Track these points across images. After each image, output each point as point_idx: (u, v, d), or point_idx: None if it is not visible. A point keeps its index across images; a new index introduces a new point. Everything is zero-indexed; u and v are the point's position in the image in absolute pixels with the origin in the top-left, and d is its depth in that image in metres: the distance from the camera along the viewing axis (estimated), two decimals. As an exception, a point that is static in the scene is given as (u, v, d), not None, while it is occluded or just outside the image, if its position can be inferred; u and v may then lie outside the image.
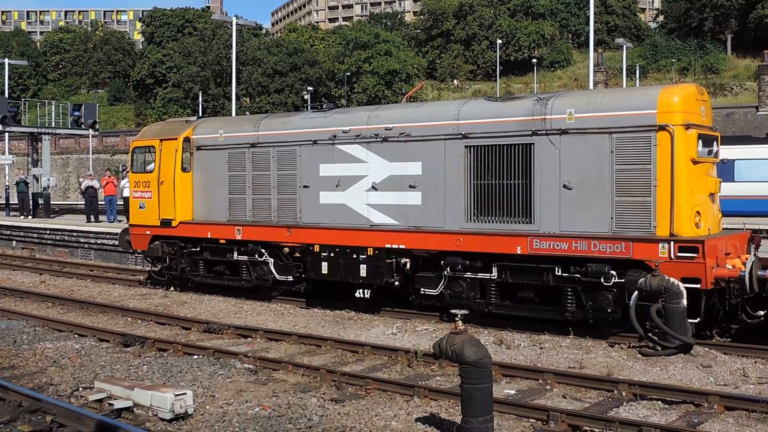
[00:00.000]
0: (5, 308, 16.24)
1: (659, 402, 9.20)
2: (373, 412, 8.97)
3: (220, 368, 11.02)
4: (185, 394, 8.87)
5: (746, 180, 25.21)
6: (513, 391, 9.82)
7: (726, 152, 18.53)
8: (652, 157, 11.96)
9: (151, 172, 18.36)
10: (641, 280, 11.55)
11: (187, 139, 17.95)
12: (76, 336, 13.58)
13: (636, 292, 11.61)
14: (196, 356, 11.84)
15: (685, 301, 11.24)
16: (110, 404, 8.99)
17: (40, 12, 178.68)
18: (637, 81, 68.05)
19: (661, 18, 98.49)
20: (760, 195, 24.78)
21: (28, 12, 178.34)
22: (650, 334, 11.49)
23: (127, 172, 21.63)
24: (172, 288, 18.86)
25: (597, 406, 9.12)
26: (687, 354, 11.17)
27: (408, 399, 9.44)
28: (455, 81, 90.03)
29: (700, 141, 12.22)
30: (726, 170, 21.71)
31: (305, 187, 15.91)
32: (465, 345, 7.48)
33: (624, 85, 46.81)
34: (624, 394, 9.44)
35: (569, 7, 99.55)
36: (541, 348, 12.01)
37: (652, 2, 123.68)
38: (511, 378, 10.40)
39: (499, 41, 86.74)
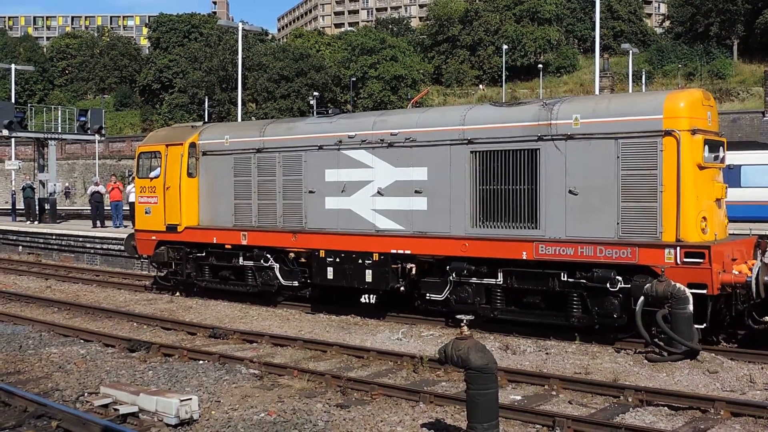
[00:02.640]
0: (11, 313, 16.29)
1: (665, 408, 9.16)
2: (378, 417, 8.95)
3: (226, 373, 11.01)
4: (190, 399, 8.88)
5: (753, 185, 25.21)
6: (519, 397, 9.79)
7: (732, 158, 18.52)
8: (658, 163, 11.93)
9: (156, 177, 18.40)
10: (647, 285, 11.51)
11: (192, 145, 17.99)
12: (82, 341, 13.59)
13: (642, 298, 11.57)
14: (201, 361, 11.83)
15: (691, 307, 11.20)
16: (115, 409, 9.00)
17: (47, 17, 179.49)
18: (643, 86, 67.94)
19: (667, 23, 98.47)
20: (767, 201, 24.74)
21: (35, 17, 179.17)
22: (656, 340, 11.45)
23: (133, 177, 21.67)
24: (177, 293, 18.88)
25: (603, 411, 9.09)
26: (693, 360, 11.12)
27: (413, 405, 9.43)
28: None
29: (707, 146, 12.20)
30: (732, 176, 21.70)
31: (311, 192, 15.92)
32: (470, 350, 7.46)
33: (630, 91, 46.82)
34: (630, 399, 9.41)
35: (575, 12, 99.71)
36: (546, 353, 11.97)
37: (659, 7, 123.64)
38: (516, 384, 10.38)
39: (505, 46, 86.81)
